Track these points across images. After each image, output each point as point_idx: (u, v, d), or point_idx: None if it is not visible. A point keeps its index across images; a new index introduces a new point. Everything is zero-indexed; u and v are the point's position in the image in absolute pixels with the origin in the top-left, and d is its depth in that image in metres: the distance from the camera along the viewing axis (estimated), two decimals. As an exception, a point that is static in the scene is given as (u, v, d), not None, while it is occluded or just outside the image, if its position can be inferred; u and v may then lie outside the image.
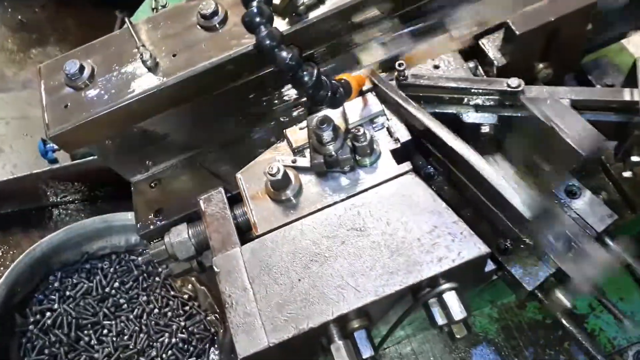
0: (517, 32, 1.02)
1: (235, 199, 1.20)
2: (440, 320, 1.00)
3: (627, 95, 0.97)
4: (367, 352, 1.00)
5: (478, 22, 1.21)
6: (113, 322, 1.78)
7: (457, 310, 0.96)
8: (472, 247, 0.96)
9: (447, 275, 0.98)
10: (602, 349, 1.15)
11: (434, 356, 1.48)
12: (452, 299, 0.96)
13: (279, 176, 1.05)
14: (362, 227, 1.03)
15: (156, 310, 1.85)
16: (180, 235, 1.16)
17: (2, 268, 1.87)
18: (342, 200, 1.08)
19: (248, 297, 1.01)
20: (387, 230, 1.02)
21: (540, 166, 0.90)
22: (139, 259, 1.28)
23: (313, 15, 1.14)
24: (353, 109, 1.16)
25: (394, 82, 1.11)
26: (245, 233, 1.15)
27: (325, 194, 1.11)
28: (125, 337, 1.77)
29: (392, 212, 1.03)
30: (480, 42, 1.14)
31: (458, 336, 1.05)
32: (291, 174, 1.10)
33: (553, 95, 1.01)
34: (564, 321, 1.15)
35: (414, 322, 1.43)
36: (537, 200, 0.92)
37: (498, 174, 0.95)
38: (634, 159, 0.99)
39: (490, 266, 1.10)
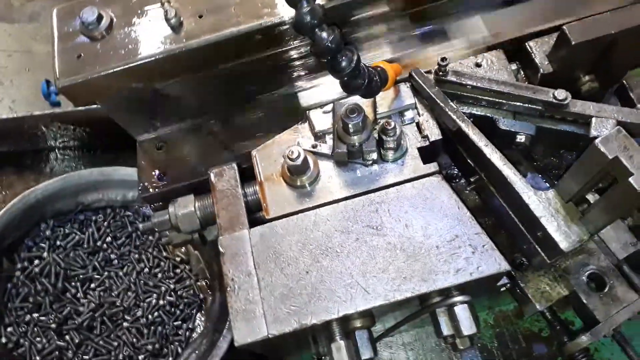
0: (573, 42, 0.95)
1: (246, 174, 1.14)
2: (447, 331, 0.97)
3: (678, 125, 0.92)
4: (367, 353, 0.97)
5: (494, 33, 1.13)
6: (101, 277, 1.74)
7: (468, 325, 0.93)
8: (492, 262, 0.92)
9: (461, 287, 0.94)
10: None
11: (423, 352, 1.47)
12: (463, 313, 0.93)
13: (299, 162, 1.00)
14: (379, 225, 0.99)
15: (146, 270, 1.81)
16: (187, 207, 1.10)
17: (-7, 209, 1.81)
18: (361, 194, 1.03)
19: (252, 283, 0.97)
20: (405, 232, 0.97)
21: (591, 205, 0.85)
22: (140, 225, 1.22)
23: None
24: (384, 98, 1.09)
25: (431, 76, 1.04)
26: (254, 213, 1.10)
27: (343, 185, 1.05)
28: (113, 294, 1.73)
29: (413, 214, 0.98)
30: (527, 45, 1.06)
31: (461, 347, 1.02)
32: (310, 159, 1.04)
33: (599, 113, 0.95)
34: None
35: (417, 326, 1.41)
36: (577, 236, 0.87)
37: (535, 193, 0.90)
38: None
39: (503, 280, 1.07)
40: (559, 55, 1.01)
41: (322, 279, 0.96)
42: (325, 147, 1.06)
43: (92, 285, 1.73)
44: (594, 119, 0.93)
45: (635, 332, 1.44)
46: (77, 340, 1.64)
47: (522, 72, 1.10)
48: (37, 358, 1.57)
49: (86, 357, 1.63)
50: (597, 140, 0.75)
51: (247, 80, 1.26)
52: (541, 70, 1.04)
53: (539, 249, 0.93)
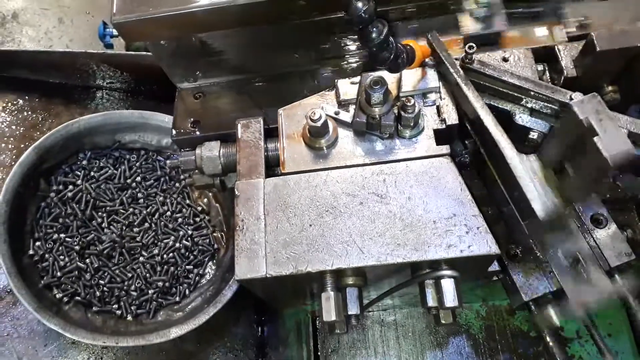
0: (598, 48, 0.98)
1: (271, 133, 1.22)
2: (431, 302, 1.03)
3: (688, 143, 0.94)
4: (353, 309, 1.04)
5: (580, 24, 1.16)
6: (126, 212, 1.86)
7: (451, 298, 0.98)
8: (483, 244, 0.97)
9: (450, 263, 1.00)
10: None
11: (413, 332, 1.53)
12: (449, 286, 0.99)
13: (319, 123, 1.07)
14: (384, 194, 1.05)
15: (169, 213, 1.92)
16: (212, 151, 1.19)
17: (39, 133, 1.94)
18: (373, 164, 1.10)
19: (259, 226, 1.05)
20: (407, 204, 1.03)
21: (569, 174, 0.89)
22: (167, 162, 1.31)
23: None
24: (410, 77, 1.15)
25: (458, 63, 1.09)
26: (272, 167, 1.18)
27: (358, 153, 1.12)
28: (134, 229, 1.85)
29: (417, 188, 1.04)
30: (556, 47, 1.10)
31: (443, 322, 1.08)
32: (330, 124, 1.11)
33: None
34: (548, 338, 1.17)
35: (404, 296, 1.47)
36: (554, 206, 0.91)
37: (526, 169, 0.94)
38: (672, 207, 0.97)
39: (494, 267, 1.12)
40: (584, 61, 1.04)
41: (323, 233, 1.03)
42: (347, 116, 1.12)
43: (117, 218, 1.85)
44: (595, 108, 0.97)
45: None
46: (96, 265, 1.76)
47: (547, 74, 1.13)
48: (59, 273, 1.70)
49: (102, 281, 1.75)
50: (572, 102, 0.79)
51: (288, 48, 1.33)
52: (565, 73, 1.08)
53: (527, 234, 0.97)
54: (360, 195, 1.06)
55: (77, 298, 1.72)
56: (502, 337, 1.51)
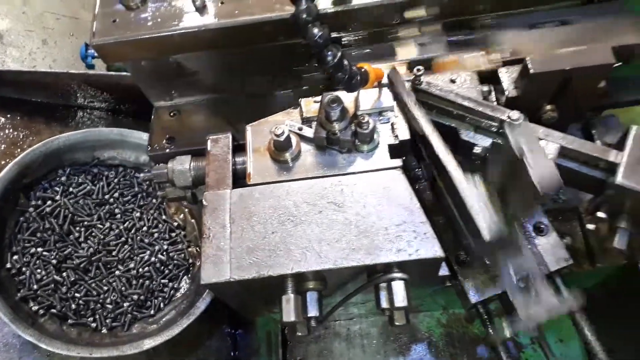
0: (531, 71, 1.09)
1: (240, 149, 1.30)
2: (384, 303, 1.11)
3: (611, 156, 1.05)
4: (313, 311, 1.11)
5: (513, 51, 1.28)
6: (103, 227, 1.92)
7: (400, 299, 1.06)
8: (429, 248, 1.06)
9: (401, 266, 1.08)
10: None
11: (377, 340, 1.60)
12: (399, 287, 1.07)
13: (282, 138, 1.15)
14: (341, 203, 1.13)
15: (145, 228, 1.98)
16: (183, 165, 1.27)
17: (19, 150, 2.00)
18: (332, 175, 1.18)
19: (225, 234, 1.12)
20: (362, 212, 1.12)
21: (509, 195, 0.98)
22: (141, 175, 1.38)
23: (356, 2, 1.22)
24: (367, 97, 1.25)
25: (408, 84, 1.19)
26: (240, 180, 1.26)
27: (319, 166, 1.20)
28: (111, 244, 1.90)
29: (371, 198, 1.13)
30: (499, 70, 1.21)
31: (397, 323, 1.15)
32: (294, 139, 1.20)
33: (547, 137, 1.09)
34: (502, 354, 1.24)
35: (366, 302, 1.54)
36: (499, 227, 1.00)
37: (472, 191, 1.04)
38: (600, 214, 1.07)
39: (444, 271, 1.20)
40: (522, 83, 1.15)
41: (284, 239, 1.11)
42: (309, 131, 1.21)
43: (94, 233, 1.90)
44: (541, 142, 1.07)
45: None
46: (72, 278, 1.80)
47: (493, 94, 1.24)
48: (35, 286, 1.74)
49: (78, 294, 1.79)
50: (508, 131, 0.89)
51: (256, 69, 1.43)
52: (507, 94, 1.19)
53: (471, 241, 1.06)
54: (319, 204, 1.14)
55: (53, 311, 1.75)
56: (461, 344, 1.58)
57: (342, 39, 1.32)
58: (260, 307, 1.35)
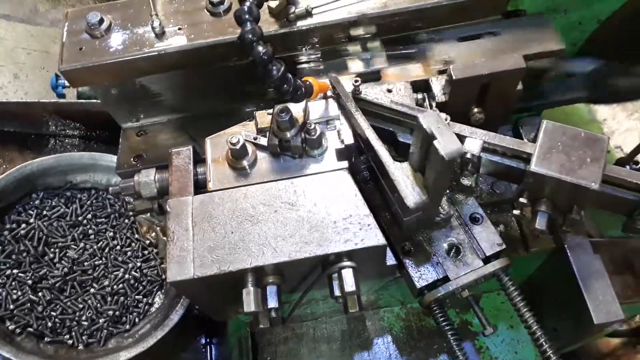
0: (454, 77, 1.24)
1: (202, 161, 1.41)
2: (337, 291, 1.21)
3: (527, 147, 1.19)
4: (272, 303, 1.21)
5: (444, 62, 1.44)
6: (77, 248, 1.99)
7: (350, 284, 1.17)
8: (373, 237, 1.18)
9: (349, 255, 1.19)
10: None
11: (341, 338, 1.70)
12: (348, 274, 1.18)
13: (238, 146, 1.27)
14: (295, 202, 1.25)
15: (118, 247, 2.05)
16: (148, 177, 1.37)
17: (-7, 177, 2.07)
18: (286, 179, 1.30)
19: (188, 236, 1.22)
20: (313, 210, 1.23)
21: (428, 172, 1.12)
22: (110, 189, 1.48)
23: (300, 24, 1.36)
24: (316, 108, 1.38)
25: (350, 94, 1.33)
26: (202, 189, 1.37)
27: (274, 171, 1.32)
28: (85, 263, 1.97)
29: (321, 196, 1.25)
30: (430, 79, 1.36)
31: (351, 310, 1.26)
32: (250, 147, 1.32)
33: (472, 134, 1.23)
34: (439, 315, 1.35)
35: (329, 299, 1.64)
36: (421, 199, 1.13)
37: (398, 170, 1.17)
38: (522, 200, 1.21)
39: (391, 261, 1.32)
40: (448, 88, 1.30)
41: (243, 238, 1.21)
42: (263, 140, 1.33)
43: (69, 253, 1.97)
44: (467, 138, 1.21)
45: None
46: (48, 298, 1.87)
47: (427, 101, 1.39)
48: (11, 306, 1.80)
49: (54, 313, 1.85)
50: (419, 115, 1.02)
51: (215, 88, 1.55)
52: (437, 99, 1.33)
53: (399, 210, 1.19)
54: (274, 204, 1.25)
55: (30, 329, 1.81)
56: (420, 335, 1.69)
57: (299, 57, 1.46)
58: (227, 307, 1.44)
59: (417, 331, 1.71)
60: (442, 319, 1.30)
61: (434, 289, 1.27)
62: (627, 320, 3.21)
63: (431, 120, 1.01)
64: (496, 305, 1.68)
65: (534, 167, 1.13)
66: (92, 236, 2.05)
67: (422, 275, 1.30)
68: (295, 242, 1.19)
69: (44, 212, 2.00)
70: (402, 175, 1.14)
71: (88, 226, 2.06)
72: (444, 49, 1.41)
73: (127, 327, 1.94)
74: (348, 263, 1.19)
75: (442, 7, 1.37)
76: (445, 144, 0.98)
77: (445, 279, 1.30)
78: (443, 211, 1.31)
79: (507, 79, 1.27)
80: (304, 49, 1.45)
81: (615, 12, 1.61)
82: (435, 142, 0.99)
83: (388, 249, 1.32)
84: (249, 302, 1.17)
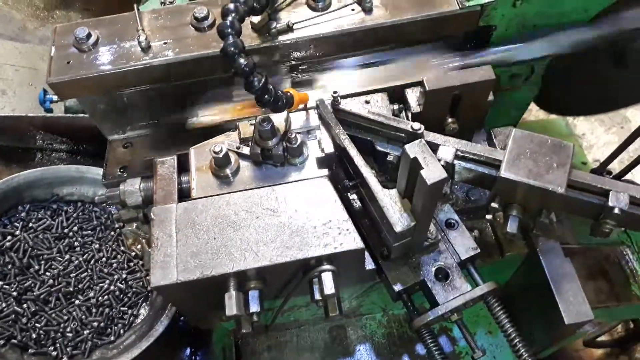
0: (427, 88, 1.30)
1: (186, 170, 1.45)
2: (317, 295, 1.25)
3: (497, 154, 1.25)
4: (254, 307, 1.25)
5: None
6: (63, 260, 2.00)
7: (329, 287, 1.21)
8: (351, 241, 1.22)
9: (329, 259, 1.23)
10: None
11: (324, 345, 1.72)
12: (327, 278, 1.22)
13: (221, 155, 1.31)
14: (276, 209, 1.29)
15: (104, 259, 2.07)
16: (133, 186, 1.41)
17: (-21, 190, 2.09)
18: (268, 186, 1.34)
19: (171, 242, 1.26)
20: (294, 216, 1.28)
21: (414, 194, 1.16)
22: (96, 198, 1.51)
23: (282, 38, 1.42)
24: (297, 119, 1.43)
25: (330, 106, 1.38)
26: (185, 198, 1.40)
27: (256, 179, 1.37)
28: (71, 275, 1.98)
29: (302, 203, 1.29)
30: (405, 91, 1.42)
31: (331, 314, 1.29)
32: (232, 156, 1.36)
33: (445, 143, 1.28)
34: (427, 339, 1.39)
35: (311, 305, 1.67)
36: (407, 220, 1.18)
37: (384, 193, 1.22)
38: (494, 205, 1.26)
39: (370, 265, 1.36)
40: (422, 99, 1.36)
41: (225, 244, 1.25)
42: (246, 149, 1.38)
43: (54, 265, 1.99)
44: (440, 147, 1.27)
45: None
46: (32, 309, 1.87)
47: (404, 112, 1.45)
48: (-5, 318, 1.81)
49: (38, 324, 1.86)
50: (405, 146, 1.08)
51: (200, 100, 1.60)
52: (412, 110, 1.39)
53: (387, 235, 1.23)
54: (256, 211, 1.29)
55: (14, 341, 1.81)
56: (401, 341, 1.72)
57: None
58: (211, 313, 1.47)
59: (399, 337, 1.74)
60: (431, 344, 1.33)
61: (423, 314, 1.31)
62: (608, 331, 3.27)
63: (417, 150, 1.06)
64: (475, 312, 1.72)
65: (503, 172, 1.19)
66: (78, 248, 2.06)
67: (400, 280, 1.34)
68: (276, 247, 1.23)
69: (30, 225, 2.02)
70: (390, 201, 1.19)
71: (74, 238, 2.07)
72: (338, 76, 1.49)
73: (112, 338, 1.95)
74: (328, 267, 1.23)
75: (417, 23, 1.44)
76: (431, 173, 1.03)
77: (423, 285, 1.34)
78: (431, 236, 1.36)
79: (478, 89, 1.33)
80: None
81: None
82: (421, 171, 1.04)
83: (367, 254, 1.36)
84: (231, 306, 1.20)
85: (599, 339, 3.19)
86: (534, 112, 3.10)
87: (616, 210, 1.16)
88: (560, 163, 1.18)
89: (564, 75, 1.73)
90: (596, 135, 3.92)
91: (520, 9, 1.42)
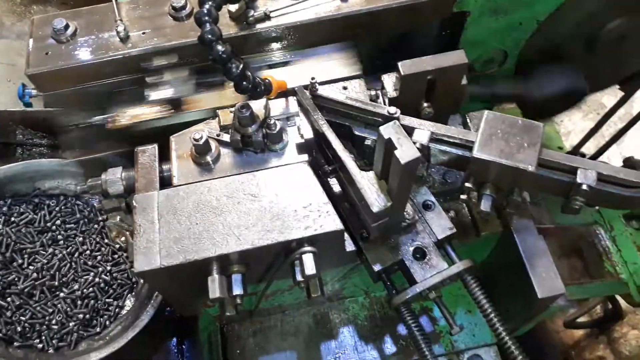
0: (402, 73, 1.34)
1: (168, 159, 1.46)
2: (299, 276, 1.28)
3: (470, 136, 1.29)
4: (237, 290, 1.27)
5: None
6: (46, 253, 2.00)
7: (310, 268, 1.24)
8: (331, 222, 1.25)
9: (310, 241, 1.26)
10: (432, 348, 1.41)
11: (308, 329, 1.76)
12: (308, 259, 1.25)
13: (201, 142, 1.33)
14: (257, 194, 1.32)
15: (88, 252, 2.07)
16: (114, 175, 1.42)
17: (-41, 186, 2.07)
18: (249, 172, 1.37)
19: (154, 229, 1.28)
20: (275, 200, 1.30)
21: (391, 179, 1.20)
22: (78, 187, 1.52)
23: (259, 26, 1.44)
24: (276, 106, 1.45)
25: (308, 92, 1.41)
26: (167, 185, 1.42)
27: (237, 165, 1.39)
28: (54, 269, 1.99)
29: (282, 187, 1.32)
30: (381, 76, 1.45)
31: (313, 294, 1.33)
32: (213, 143, 1.38)
33: (420, 126, 1.32)
34: (406, 316, 1.42)
35: (293, 290, 1.71)
36: (384, 200, 1.21)
37: (362, 175, 1.25)
38: (467, 185, 1.30)
39: (351, 247, 1.40)
40: (398, 84, 1.39)
41: (207, 228, 1.27)
42: (226, 137, 1.40)
43: (37, 259, 1.99)
44: (415, 130, 1.30)
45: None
46: (17, 303, 1.87)
47: (381, 97, 1.48)
48: (-21, 312, 1.81)
49: (23, 317, 1.86)
50: (380, 127, 1.11)
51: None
52: (388, 95, 1.42)
53: (366, 216, 1.27)
54: (237, 196, 1.31)
55: (-2, 335, 1.81)
56: (383, 322, 1.76)
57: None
58: (195, 299, 1.49)
59: (381, 319, 1.79)
60: (411, 321, 1.37)
61: (402, 292, 1.34)
62: (587, 312, 3.37)
63: (391, 131, 1.09)
64: (454, 292, 1.77)
65: (476, 153, 1.23)
66: (62, 242, 2.06)
67: (379, 260, 1.38)
68: (258, 231, 1.26)
69: (12, 219, 2.01)
70: (367, 183, 1.22)
71: (57, 232, 2.07)
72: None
73: (98, 329, 1.96)
74: (308, 248, 1.25)
75: (392, 10, 1.47)
76: (405, 153, 1.07)
77: (401, 264, 1.38)
78: (408, 216, 1.40)
79: (452, 73, 1.37)
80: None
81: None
82: (395, 151, 1.07)
83: (348, 236, 1.40)
84: (214, 289, 1.22)
85: (578, 320, 3.29)
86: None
87: (584, 187, 1.21)
88: (530, 143, 1.22)
89: (537, 61, 1.78)
90: (573, 121, 4.01)
91: (492, -6, 1.46)
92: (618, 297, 3.07)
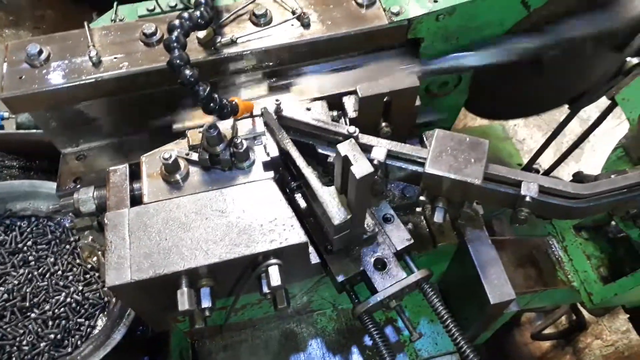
0: (360, 95, 1.43)
1: (138, 178, 1.52)
2: (265, 288, 1.34)
3: (423, 153, 1.39)
4: (206, 303, 1.32)
5: (320, 90, 1.63)
6: (17, 274, 2.02)
7: (275, 279, 1.30)
8: (295, 236, 1.32)
9: (276, 253, 1.33)
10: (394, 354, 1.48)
11: (277, 342, 1.81)
12: (273, 271, 1.31)
13: (171, 161, 1.40)
14: (224, 210, 1.38)
15: (59, 272, 2.10)
16: (86, 194, 1.47)
17: None
18: (216, 189, 1.43)
19: (125, 245, 1.33)
20: (242, 215, 1.37)
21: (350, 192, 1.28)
22: (50, 207, 1.55)
23: (226, 51, 1.52)
24: (244, 126, 1.53)
25: (274, 113, 1.49)
26: (138, 204, 1.47)
27: (206, 183, 1.45)
28: (26, 289, 2.00)
29: (249, 203, 1.39)
30: (342, 98, 1.55)
31: (280, 305, 1.39)
32: (182, 162, 1.45)
33: (378, 144, 1.41)
34: (369, 324, 1.49)
35: (262, 303, 1.76)
36: (345, 215, 1.29)
37: (324, 190, 1.33)
38: (422, 198, 1.39)
39: (315, 259, 1.47)
40: (357, 105, 1.49)
41: (176, 244, 1.32)
42: (195, 156, 1.47)
43: (8, 280, 2.00)
44: (374, 147, 1.39)
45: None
46: (-14, 324, 1.88)
47: (342, 118, 1.57)
48: (-51, 334, 1.81)
49: (-8, 339, 1.87)
50: (338, 145, 1.20)
51: (148, 112, 1.67)
52: (349, 115, 1.52)
53: (328, 229, 1.34)
54: (205, 212, 1.38)
55: (-33, 357, 1.82)
56: (350, 334, 1.82)
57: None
58: (166, 313, 1.53)
59: (348, 331, 1.85)
60: (373, 329, 1.43)
61: (363, 302, 1.41)
62: (552, 323, 3.48)
63: (348, 148, 1.18)
64: (417, 302, 1.85)
65: (427, 168, 1.32)
66: (33, 262, 2.08)
67: (342, 271, 1.45)
68: (225, 245, 1.32)
69: (-17, 240, 2.03)
70: (329, 197, 1.31)
71: (28, 253, 2.10)
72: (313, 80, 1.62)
73: (69, 350, 1.98)
74: (274, 261, 1.32)
75: (352, 37, 1.58)
76: (360, 168, 1.15)
77: (363, 275, 1.46)
78: (369, 229, 1.48)
79: (406, 95, 1.47)
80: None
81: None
82: (352, 167, 1.16)
83: (313, 249, 1.47)
84: (183, 302, 1.27)
85: (545, 332, 3.40)
86: (479, 121, 3.33)
87: (527, 199, 1.31)
88: (477, 158, 1.32)
89: (489, 83, 1.91)
90: (535, 139, 4.19)
91: (443, 22, 1.57)
92: (581, 308, 3.19)
